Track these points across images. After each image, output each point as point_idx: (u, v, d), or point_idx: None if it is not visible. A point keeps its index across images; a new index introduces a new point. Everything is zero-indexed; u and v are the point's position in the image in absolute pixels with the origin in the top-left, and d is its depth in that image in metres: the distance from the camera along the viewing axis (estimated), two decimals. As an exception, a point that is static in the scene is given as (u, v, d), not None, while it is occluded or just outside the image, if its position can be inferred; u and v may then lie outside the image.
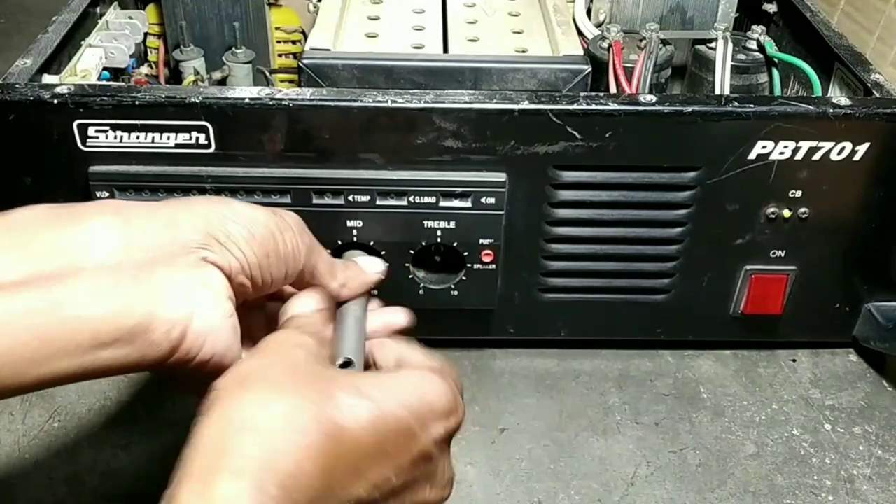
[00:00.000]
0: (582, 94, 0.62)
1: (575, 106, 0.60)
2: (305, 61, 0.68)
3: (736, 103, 0.61)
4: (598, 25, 0.77)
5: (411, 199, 0.62)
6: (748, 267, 0.68)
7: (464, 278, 0.66)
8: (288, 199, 0.61)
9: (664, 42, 0.72)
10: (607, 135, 0.61)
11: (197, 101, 0.58)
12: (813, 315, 0.71)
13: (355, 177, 0.61)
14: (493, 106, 0.60)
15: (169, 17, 0.78)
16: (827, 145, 0.62)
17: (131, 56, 0.76)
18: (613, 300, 0.69)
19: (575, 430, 0.67)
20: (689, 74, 0.76)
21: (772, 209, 0.65)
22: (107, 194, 0.61)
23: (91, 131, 0.59)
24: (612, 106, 0.60)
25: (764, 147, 0.62)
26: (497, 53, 0.71)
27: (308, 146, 0.61)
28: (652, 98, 0.61)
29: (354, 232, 0.63)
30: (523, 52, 0.72)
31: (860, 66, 0.69)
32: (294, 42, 0.83)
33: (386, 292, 0.66)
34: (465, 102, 0.60)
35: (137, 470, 0.62)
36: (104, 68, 0.74)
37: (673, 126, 0.61)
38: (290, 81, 0.79)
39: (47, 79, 0.66)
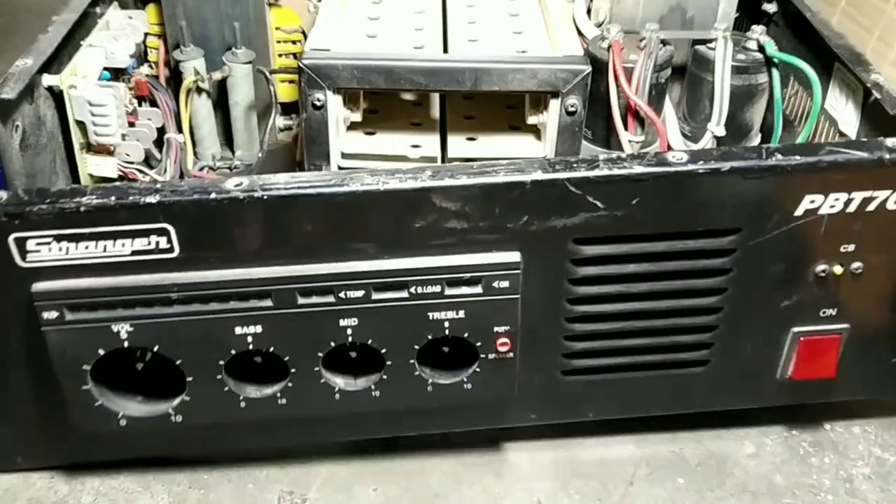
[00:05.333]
0: (601, 157, 0.53)
1: (595, 172, 0.52)
2: (305, 61, 0.62)
3: (779, 155, 0.53)
4: (598, 25, 0.75)
5: (413, 290, 0.54)
6: (796, 329, 0.60)
7: (477, 370, 0.58)
8: (269, 303, 0.53)
9: (664, 42, 0.69)
10: (633, 202, 0.53)
11: (153, 201, 0.50)
12: (867, 372, 0.64)
13: (346, 270, 0.53)
14: (501, 179, 0.52)
15: (169, 17, 0.78)
16: (882, 194, 0.54)
17: (131, 56, 0.76)
18: (645, 377, 0.62)
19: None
20: (688, 74, 0.74)
21: (821, 267, 0.57)
22: (56, 314, 0.52)
23: (31, 245, 0.50)
24: (638, 169, 0.52)
25: (812, 202, 0.54)
26: (497, 53, 0.66)
27: (288, 241, 0.52)
28: (683, 156, 0.53)
29: (349, 332, 0.55)
30: (523, 52, 0.66)
31: (860, 66, 0.66)
32: (294, 42, 0.83)
33: (389, 391, 0.58)
34: (468, 177, 0.51)
35: (137, 470, 0.62)
36: (104, 68, 0.73)
37: (708, 186, 0.53)
38: (290, 81, 0.80)
39: (47, 79, 0.66)
